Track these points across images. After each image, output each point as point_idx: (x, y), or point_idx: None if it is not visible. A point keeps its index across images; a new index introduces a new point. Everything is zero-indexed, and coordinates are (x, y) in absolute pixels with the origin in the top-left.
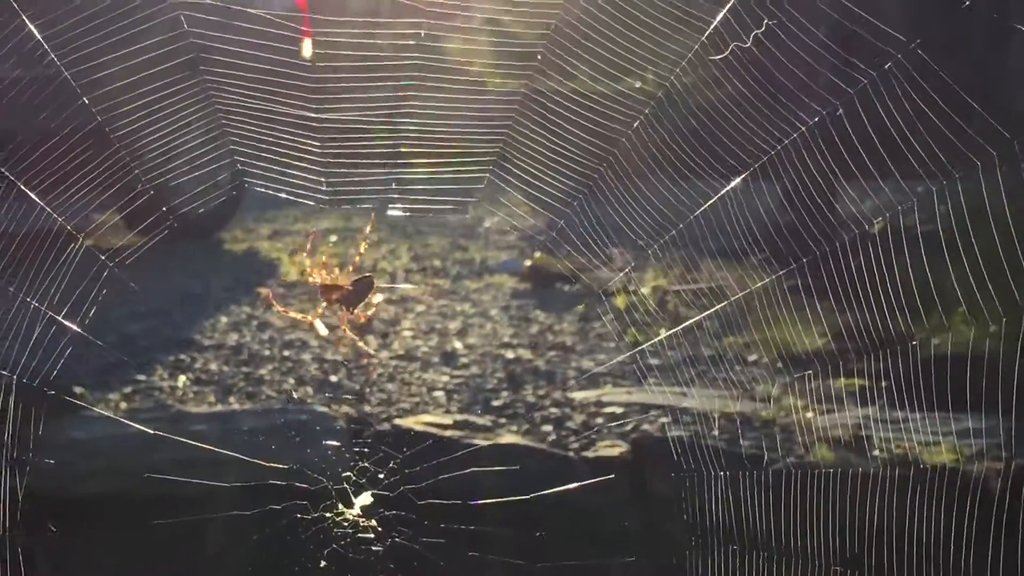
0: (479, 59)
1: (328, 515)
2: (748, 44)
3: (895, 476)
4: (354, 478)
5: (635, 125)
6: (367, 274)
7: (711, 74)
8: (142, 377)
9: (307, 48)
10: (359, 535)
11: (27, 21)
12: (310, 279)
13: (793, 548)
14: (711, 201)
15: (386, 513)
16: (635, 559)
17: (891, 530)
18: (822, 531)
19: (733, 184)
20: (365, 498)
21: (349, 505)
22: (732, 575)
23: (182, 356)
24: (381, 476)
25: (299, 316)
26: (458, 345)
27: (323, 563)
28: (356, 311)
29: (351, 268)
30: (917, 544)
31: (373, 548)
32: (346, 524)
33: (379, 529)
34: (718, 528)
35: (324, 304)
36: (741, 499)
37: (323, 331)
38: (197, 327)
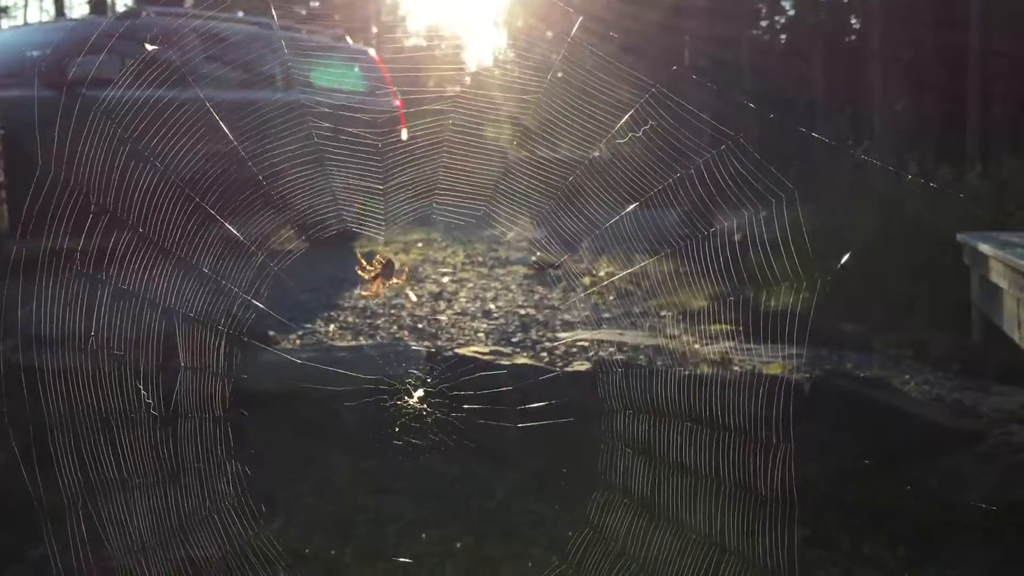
0: (488, 130)
1: (399, 402)
2: (653, 124)
3: (746, 381)
4: (412, 384)
5: (581, 175)
6: (388, 260)
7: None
8: (309, 325)
9: (404, 134)
10: (417, 412)
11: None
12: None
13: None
14: (615, 218)
15: (432, 400)
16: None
17: (741, 411)
18: (702, 409)
19: (632, 207)
20: (419, 392)
21: (411, 396)
22: (641, 430)
23: (332, 313)
24: (428, 380)
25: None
26: (492, 306)
27: (396, 428)
28: (389, 281)
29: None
30: (756, 419)
31: (426, 420)
32: (408, 407)
33: (428, 409)
34: (640, 407)
35: (378, 283)
36: (654, 392)
37: (413, 298)
38: (340, 296)
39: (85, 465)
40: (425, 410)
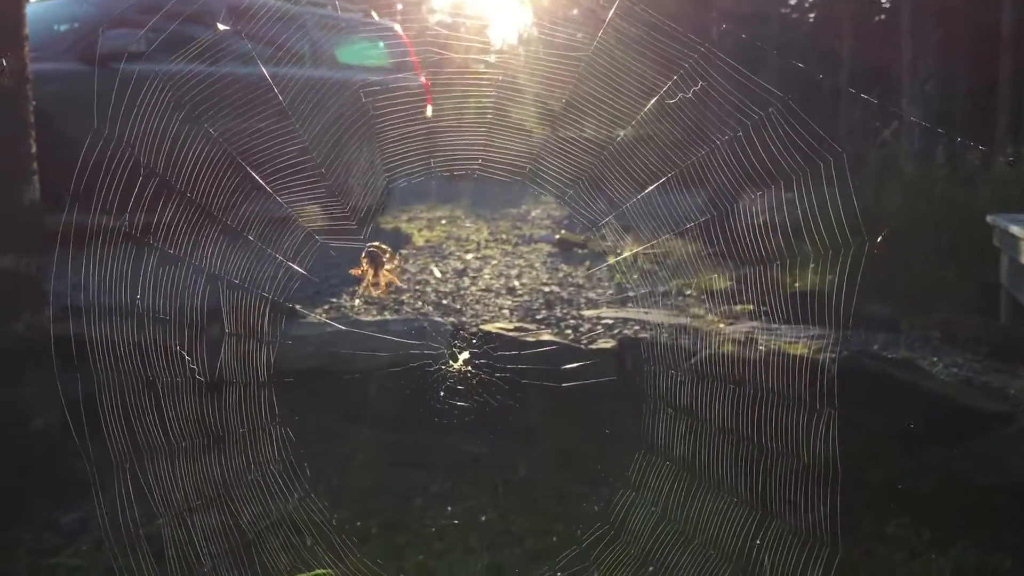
0: (524, 114)
1: (443, 367)
2: (689, 94)
3: (771, 361)
4: (456, 348)
5: (608, 151)
6: (373, 252)
7: (659, 119)
8: (334, 300)
9: (429, 110)
10: (462, 375)
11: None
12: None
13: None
14: (642, 193)
15: (476, 362)
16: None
17: (766, 393)
18: (725, 391)
19: (657, 184)
20: (464, 355)
21: (456, 360)
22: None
23: (356, 288)
24: (475, 342)
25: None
26: (516, 283)
27: (442, 393)
28: (382, 270)
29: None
30: (780, 399)
31: (472, 381)
32: (453, 370)
33: (472, 371)
34: (666, 388)
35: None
36: (677, 371)
37: (437, 274)
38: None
39: (132, 429)
40: (470, 372)
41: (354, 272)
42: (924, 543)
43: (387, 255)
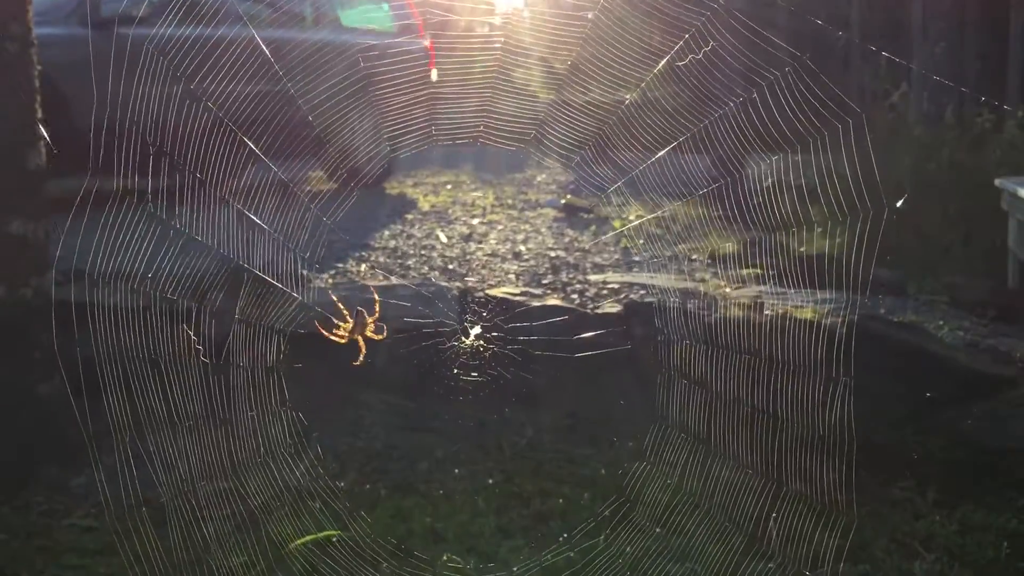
0: (529, 78)
1: (455, 344)
2: (699, 55)
3: (778, 325)
4: (468, 322)
5: (612, 120)
6: (358, 310)
7: (664, 83)
8: (340, 265)
9: (434, 74)
10: (475, 350)
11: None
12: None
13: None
14: (652, 159)
15: (488, 335)
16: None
17: (771, 354)
18: (730, 357)
19: (664, 151)
20: (476, 330)
21: (467, 336)
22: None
23: (363, 253)
24: (485, 315)
25: (339, 334)
26: (522, 248)
27: (455, 370)
28: (365, 330)
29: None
30: (785, 363)
31: (485, 354)
32: (465, 345)
33: (485, 345)
34: (675, 358)
35: (350, 330)
36: (686, 336)
37: (444, 239)
38: (371, 237)
39: (135, 394)
40: (482, 346)
41: (333, 333)
42: (929, 505)
43: (371, 318)
